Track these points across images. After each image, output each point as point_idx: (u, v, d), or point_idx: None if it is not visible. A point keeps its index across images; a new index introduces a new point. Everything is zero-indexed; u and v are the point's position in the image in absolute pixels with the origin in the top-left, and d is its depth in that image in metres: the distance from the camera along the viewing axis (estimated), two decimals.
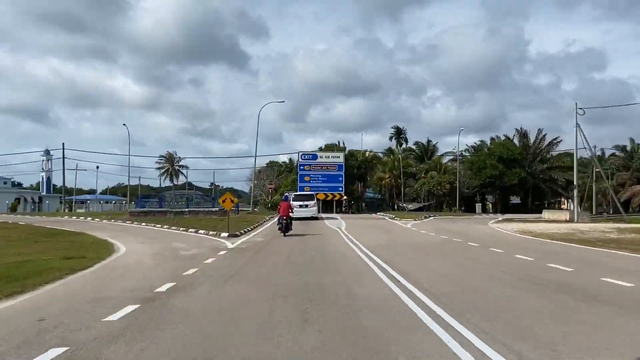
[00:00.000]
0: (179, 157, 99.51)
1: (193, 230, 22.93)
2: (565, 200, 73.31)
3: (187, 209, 34.51)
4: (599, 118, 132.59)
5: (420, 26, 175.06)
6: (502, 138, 64.63)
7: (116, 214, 37.93)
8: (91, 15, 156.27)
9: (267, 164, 78.01)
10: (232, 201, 21.29)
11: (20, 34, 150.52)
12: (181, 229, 24.18)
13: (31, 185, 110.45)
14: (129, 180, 52.07)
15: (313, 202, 38.05)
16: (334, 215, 45.35)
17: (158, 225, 26.93)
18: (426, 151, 66.70)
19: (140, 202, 39.00)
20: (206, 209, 34.87)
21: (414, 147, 68.60)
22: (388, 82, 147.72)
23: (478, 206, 57.58)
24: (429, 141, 66.91)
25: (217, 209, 38.03)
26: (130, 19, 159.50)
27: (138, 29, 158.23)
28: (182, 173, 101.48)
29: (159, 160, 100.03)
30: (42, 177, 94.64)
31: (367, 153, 63.97)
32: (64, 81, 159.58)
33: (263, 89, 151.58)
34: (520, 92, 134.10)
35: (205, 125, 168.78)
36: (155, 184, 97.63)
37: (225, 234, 20.42)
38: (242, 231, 22.18)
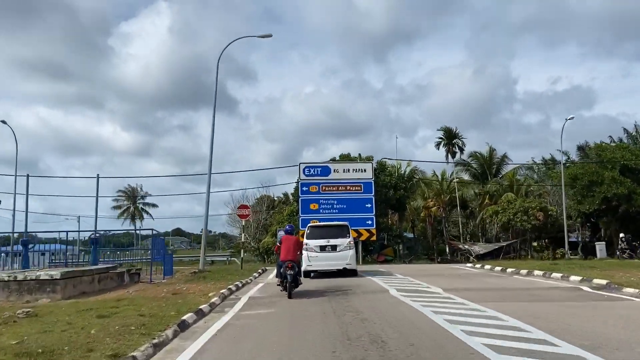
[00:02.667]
0: (144, 193, 77.18)
1: None
2: None
3: (11, 276, 11.54)
4: None
5: (407, 67, 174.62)
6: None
7: None
8: (75, 63, 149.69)
9: (256, 199, 55.52)
10: None
11: (4, 83, 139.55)
12: None
13: None
14: (13, 223, 29.73)
15: (347, 240, 18.01)
16: (378, 268, 22.37)
17: None
18: (489, 166, 44.29)
19: None
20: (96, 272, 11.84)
21: (468, 161, 46.09)
22: (379, 122, 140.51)
23: (599, 248, 34.55)
24: (492, 150, 44.49)
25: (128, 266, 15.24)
26: (115, 65, 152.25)
27: (124, 76, 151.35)
28: (146, 212, 78.48)
29: (117, 197, 77.26)
30: None
31: (405, 167, 41.52)
32: (51, 130, 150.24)
33: (253, 132, 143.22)
34: (511, 131, 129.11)
35: (197, 170, 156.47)
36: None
37: None
38: None
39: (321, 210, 34.39)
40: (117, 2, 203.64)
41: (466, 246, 39.63)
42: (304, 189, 34.72)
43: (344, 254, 17.44)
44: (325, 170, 35.14)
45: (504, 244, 39.04)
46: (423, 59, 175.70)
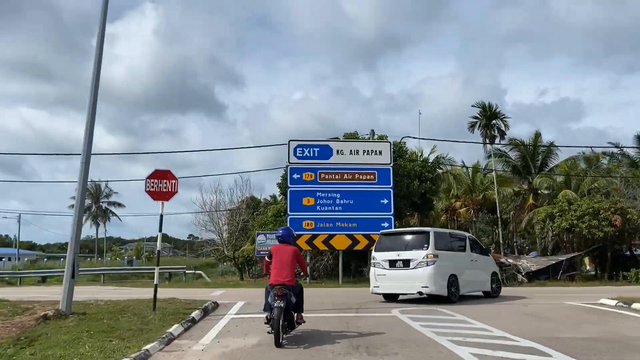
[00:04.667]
0: (109, 190, 66.34)
1: None
2: None
3: None
4: None
5: (397, 76, 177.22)
6: None
7: None
8: (59, 63, 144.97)
9: (242, 200, 45.26)
10: None
11: None
12: None
13: None
14: None
15: (423, 252, 12.80)
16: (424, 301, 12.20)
17: None
18: (532, 156, 34.18)
19: None
20: None
21: (505, 150, 35.88)
22: (368, 130, 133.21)
23: None
24: (538, 135, 34.03)
25: None
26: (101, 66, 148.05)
27: (109, 78, 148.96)
28: (113, 214, 67.43)
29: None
30: None
31: (429, 153, 31.48)
32: (35, 131, 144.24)
33: (241, 138, 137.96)
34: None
35: (185, 175, 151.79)
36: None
37: None
38: None
39: (318, 207, 24.39)
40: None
41: (510, 260, 29.52)
42: (295, 176, 24.66)
43: (419, 273, 12.71)
44: (325, 151, 25.10)
45: (563, 257, 28.99)
46: (413, 68, 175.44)
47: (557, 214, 29.15)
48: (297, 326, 7.70)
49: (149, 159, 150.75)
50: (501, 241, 32.63)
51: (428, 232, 13.45)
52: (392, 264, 13.21)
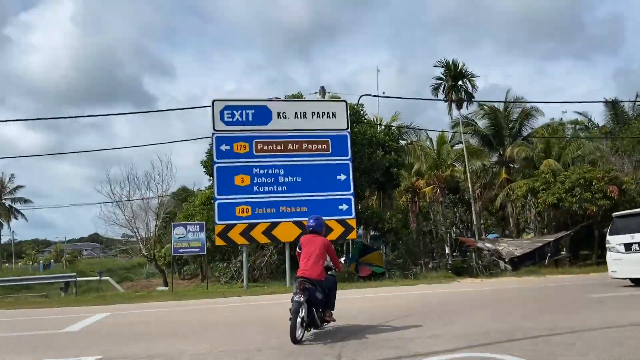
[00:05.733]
0: (13, 185, 56.54)
1: None
2: None
3: None
4: None
5: (332, 66, 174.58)
6: None
7: None
8: None
9: (173, 193, 38.34)
10: None
11: None
12: None
13: None
14: None
15: None
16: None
17: None
18: (507, 121, 29.59)
19: None
20: None
21: (473, 119, 31.15)
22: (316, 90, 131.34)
23: None
24: (514, 100, 28.99)
25: None
26: (14, 57, 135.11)
27: (26, 69, 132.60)
28: (19, 213, 57.44)
29: None
30: None
31: (390, 121, 26.18)
32: None
33: (174, 131, 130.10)
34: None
35: (115, 171, 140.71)
36: None
37: None
38: None
39: (256, 187, 18.38)
40: None
41: (488, 245, 24.88)
42: (223, 147, 18.49)
43: None
44: (263, 114, 19.07)
45: (550, 238, 24.64)
46: (348, 57, 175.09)
47: (541, 187, 24.80)
48: (321, 324, 7.43)
49: (75, 156, 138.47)
50: (474, 222, 27.94)
51: None
52: (628, 247, 12.65)
